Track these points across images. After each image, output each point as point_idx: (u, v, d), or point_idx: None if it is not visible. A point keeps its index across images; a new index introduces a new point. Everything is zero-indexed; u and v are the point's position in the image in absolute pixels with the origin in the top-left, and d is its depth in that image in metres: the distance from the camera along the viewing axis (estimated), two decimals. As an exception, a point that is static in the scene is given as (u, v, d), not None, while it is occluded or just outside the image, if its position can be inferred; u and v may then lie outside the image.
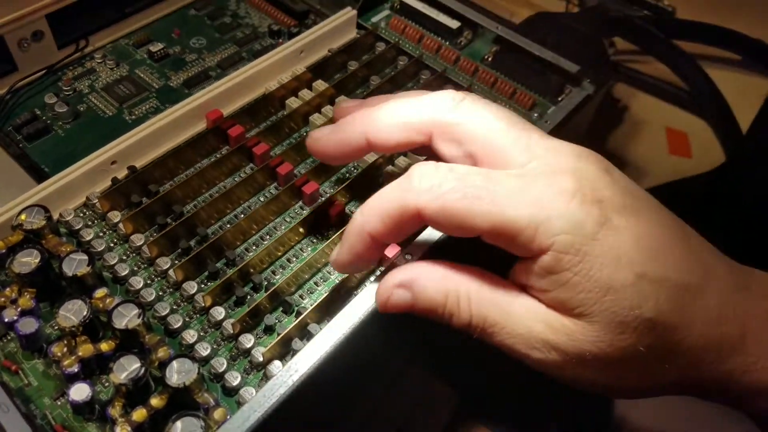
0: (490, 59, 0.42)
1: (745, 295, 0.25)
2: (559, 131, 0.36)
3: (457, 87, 0.40)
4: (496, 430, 0.38)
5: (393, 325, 0.30)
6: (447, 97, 0.27)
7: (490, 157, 0.26)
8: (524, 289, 0.25)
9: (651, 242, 0.24)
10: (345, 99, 0.33)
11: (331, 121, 0.37)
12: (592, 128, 0.43)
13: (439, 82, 0.40)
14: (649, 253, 0.23)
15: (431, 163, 0.25)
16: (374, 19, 0.45)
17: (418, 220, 0.25)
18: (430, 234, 0.30)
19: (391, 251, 0.32)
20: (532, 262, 0.24)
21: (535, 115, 0.39)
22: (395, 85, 0.40)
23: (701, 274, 0.24)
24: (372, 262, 0.28)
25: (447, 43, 0.42)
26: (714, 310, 0.24)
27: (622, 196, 0.24)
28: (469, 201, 0.24)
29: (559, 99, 0.39)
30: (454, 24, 0.42)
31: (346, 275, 0.31)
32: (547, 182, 0.24)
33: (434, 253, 0.29)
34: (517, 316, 0.25)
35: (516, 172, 0.25)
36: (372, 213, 0.26)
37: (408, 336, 0.35)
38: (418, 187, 0.25)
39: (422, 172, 0.25)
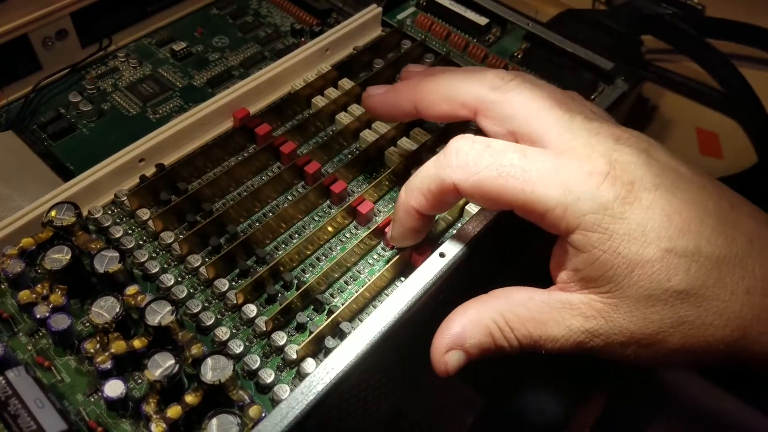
0: (519, 56, 0.41)
1: None
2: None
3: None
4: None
5: (422, 324, 0.30)
6: (495, 75, 0.29)
7: (529, 137, 0.27)
8: (560, 270, 0.26)
9: (683, 218, 0.24)
10: (413, 65, 0.35)
11: (358, 120, 0.37)
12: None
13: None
14: (679, 229, 0.24)
15: (468, 138, 0.27)
16: (400, 17, 0.44)
17: (458, 195, 0.27)
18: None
19: (422, 251, 0.31)
20: (564, 241, 0.25)
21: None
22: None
23: (743, 245, 0.24)
24: (424, 232, 0.30)
25: (475, 40, 0.42)
26: (760, 280, 0.24)
27: (657, 175, 0.25)
28: (504, 179, 0.25)
29: (592, 97, 0.39)
30: (482, 20, 0.42)
31: (377, 274, 0.30)
32: (580, 164, 0.25)
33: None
34: (554, 322, 0.26)
35: (553, 151, 0.26)
36: (414, 189, 0.28)
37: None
38: (455, 163, 0.26)
39: (459, 147, 0.26)
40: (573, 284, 0.26)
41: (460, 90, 0.29)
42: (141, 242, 0.32)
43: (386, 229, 0.32)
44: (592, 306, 0.25)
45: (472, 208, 0.33)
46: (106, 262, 0.29)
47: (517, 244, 0.38)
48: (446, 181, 0.26)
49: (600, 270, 0.24)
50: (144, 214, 0.33)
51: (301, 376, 0.28)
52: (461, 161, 0.26)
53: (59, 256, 0.29)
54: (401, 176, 0.36)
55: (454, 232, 0.30)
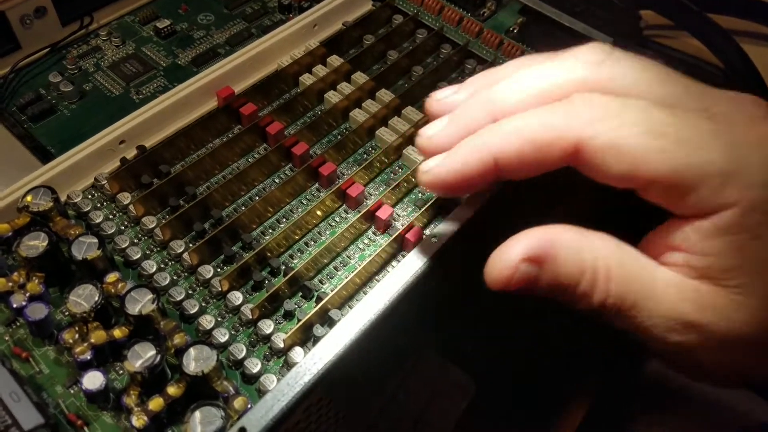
0: (515, 31, 0.40)
1: None
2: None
3: (480, 61, 0.39)
4: (513, 418, 0.38)
5: (414, 310, 0.29)
6: (592, 50, 0.22)
7: None
8: (666, 253, 0.22)
9: None
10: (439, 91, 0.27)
11: (348, 99, 0.36)
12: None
13: (461, 55, 0.39)
14: None
15: (596, 93, 0.21)
16: (391, -10, 0.43)
17: (567, 158, 0.21)
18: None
19: (414, 235, 0.30)
20: (700, 219, 0.21)
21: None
22: (414, 59, 0.39)
23: None
24: (469, 192, 0.24)
25: (469, 14, 0.41)
26: None
27: None
28: (651, 137, 0.20)
29: (590, 73, 0.38)
30: (476, -7, 0.41)
31: (368, 259, 0.29)
32: (744, 128, 0.20)
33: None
34: (662, 295, 0.21)
35: (704, 114, 0.21)
36: (511, 134, 0.22)
37: (427, 321, 0.34)
38: (587, 116, 0.21)
39: (588, 99, 0.21)
40: (690, 270, 0.21)
41: (554, 77, 0.22)
42: (122, 227, 0.31)
43: (424, 166, 0.24)
44: (709, 298, 0.21)
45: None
46: (85, 248, 0.28)
47: (509, 229, 0.37)
48: (567, 135, 0.21)
49: (739, 259, 0.20)
50: (125, 198, 0.31)
51: (288, 365, 0.27)
52: (597, 114, 0.20)
53: (36, 243, 0.28)
54: (393, 158, 0.35)
55: (448, 215, 0.29)
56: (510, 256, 0.21)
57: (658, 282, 0.21)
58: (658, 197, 0.21)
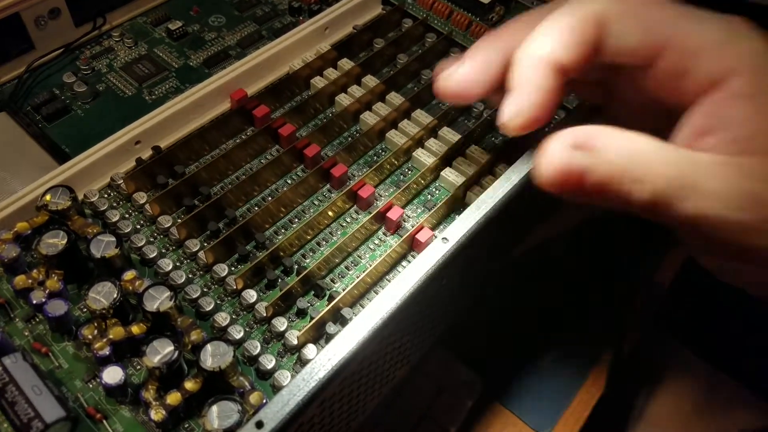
0: (523, 37, 0.40)
1: None
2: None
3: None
4: (519, 415, 0.38)
5: (424, 308, 0.30)
6: None
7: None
8: (696, 142, 0.22)
9: None
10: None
11: (359, 102, 0.36)
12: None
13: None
14: None
15: None
16: (401, -6, 0.43)
17: (591, 39, 0.22)
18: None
19: (424, 236, 0.31)
20: (713, 92, 0.21)
21: (572, 95, 0.38)
22: (424, 63, 0.39)
23: None
24: (553, 112, 0.23)
25: (478, 19, 0.41)
26: None
27: None
28: (659, 8, 0.21)
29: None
30: (485, -2, 0.41)
31: (379, 259, 0.30)
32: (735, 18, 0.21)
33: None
34: (712, 174, 0.20)
35: None
36: (550, 33, 0.21)
37: (436, 319, 0.35)
38: None
39: None
40: (727, 146, 0.21)
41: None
42: (138, 226, 0.32)
43: (505, 107, 0.24)
44: (752, 169, 0.20)
45: (476, 195, 0.33)
46: (103, 246, 0.29)
47: (518, 231, 0.38)
48: (586, 16, 0.21)
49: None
50: (141, 197, 0.32)
51: (302, 362, 0.28)
52: None
53: (55, 241, 0.29)
54: (403, 160, 0.35)
55: (458, 217, 0.30)
56: (558, 146, 0.21)
57: (705, 165, 0.21)
58: (667, 69, 0.22)
